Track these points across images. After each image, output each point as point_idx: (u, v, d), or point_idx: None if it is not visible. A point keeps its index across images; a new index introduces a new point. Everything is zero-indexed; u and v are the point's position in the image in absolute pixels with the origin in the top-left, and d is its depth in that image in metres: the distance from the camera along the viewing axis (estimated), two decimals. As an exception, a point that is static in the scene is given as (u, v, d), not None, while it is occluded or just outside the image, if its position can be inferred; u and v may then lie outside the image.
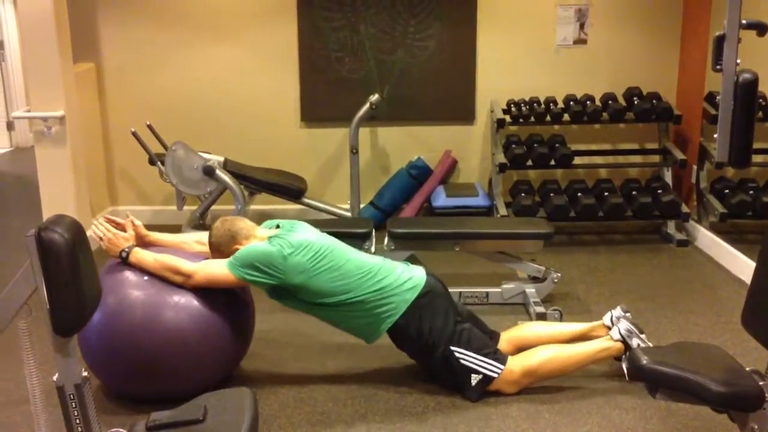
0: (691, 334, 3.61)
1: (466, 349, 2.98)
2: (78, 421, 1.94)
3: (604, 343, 3.09)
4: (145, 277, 2.90)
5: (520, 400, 2.99)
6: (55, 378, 1.92)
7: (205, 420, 2.00)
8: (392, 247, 3.93)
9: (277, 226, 3.10)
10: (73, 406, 1.92)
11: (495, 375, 2.97)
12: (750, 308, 2.33)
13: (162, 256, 2.93)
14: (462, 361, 2.97)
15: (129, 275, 2.91)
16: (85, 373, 1.95)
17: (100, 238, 2.98)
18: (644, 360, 2.28)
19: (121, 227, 3.06)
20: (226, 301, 2.99)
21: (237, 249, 2.94)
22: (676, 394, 2.26)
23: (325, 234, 3.10)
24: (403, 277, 3.03)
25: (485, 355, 2.99)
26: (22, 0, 4.44)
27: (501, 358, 3.01)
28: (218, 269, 2.89)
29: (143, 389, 2.94)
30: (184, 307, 2.86)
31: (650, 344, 3.07)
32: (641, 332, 3.09)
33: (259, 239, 2.98)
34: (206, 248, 3.07)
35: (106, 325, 2.82)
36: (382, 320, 2.98)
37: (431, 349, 3.00)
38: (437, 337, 2.98)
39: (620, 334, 3.07)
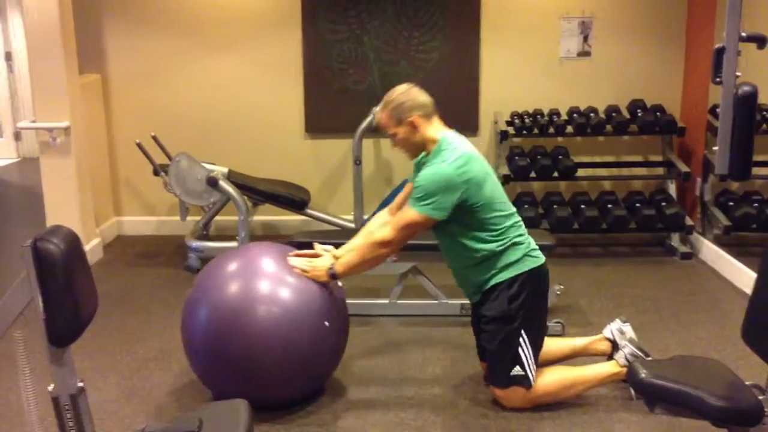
0: (694, 348, 3.58)
1: (530, 343, 2.94)
2: (73, 431, 1.93)
3: (611, 369, 3.07)
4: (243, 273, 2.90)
5: (520, 415, 2.97)
6: (50, 388, 1.92)
7: (200, 432, 1.99)
8: (394, 259, 3.92)
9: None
10: (68, 416, 1.92)
11: (531, 383, 2.94)
12: (749, 321, 2.31)
13: (355, 243, 2.96)
14: (519, 349, 2.92)
15: (230, 276, 2.91)
16: (80, 384, 1.95)
17: (304, 271, 2.92)
18: (643, 373, 2.27)
19: (315, 255, 3.04)
20: (324, 302, 2.94)
21: (412, 121, 2.89)
22: (674, 409, 2.24)
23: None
24: (533, 243, 3.01)
25: (535, 361, 2.97)
26: (29, 11, 4.48)
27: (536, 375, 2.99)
28: (407, 216, 2.85)
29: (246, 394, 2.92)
30: (288, 306, 2.84)
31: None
32: (647, 356, 3.06)
33: (432, 134, 2.92)
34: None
35: (211, 326, 2.84)
36: (499, 273, 2.92)
37: (509, 319, 2.92)
38: (521, 315, 2.91)
39: (626, 359, 3.05)
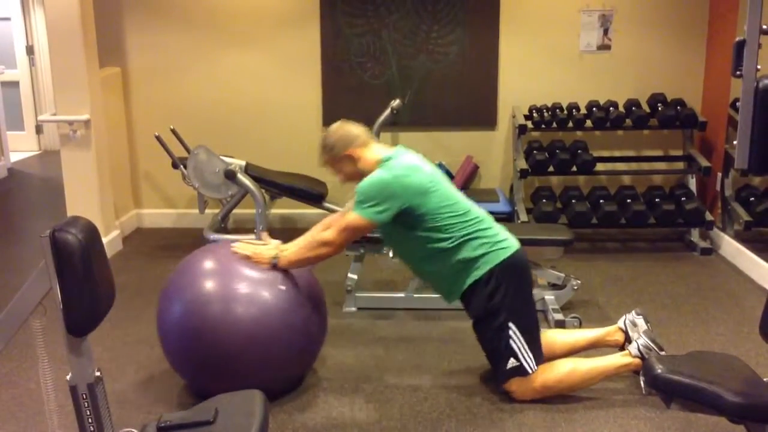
0: (713, 344, 3.55)
1: (521, 333, 2.96)
2: (90, 420, 1.95)
3: (623, 360, 3.06)
4: (218, 270, 2.95)
5: (536, 408, 2.97)
6: (68, 377, 1.94)
7: (215, 422, 2.00)
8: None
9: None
10: (86, 405, 1.94)
11: (528, 371, 2.96)
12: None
13: (301, 241, 3.03)
14: (510, 341, 2.95)
15: (205, 271, 2.96)
16: (98, 373, 1.97)
17: (247, 257, 2.99)
18: (659, 369, 2.25)
19: (263, 244, 3.10)
20: (301, 298, 2.99)
21: (349, 154, 3.00)
22: (691, 405, 2.22)
23: (435, 168, 3.10)
24: (500, 235, 3.03)
25: (531, 349, 2.97)
26: (50, 6, 4.53)
27: (539, 360, 3.00)
28: (348, 219, 2.93)
29: (220, 386, 2.94)
30: (258, 302, 2.88)
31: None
32: (661, 349, 3.04)
33: (373, 157, 3.00)
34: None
35: (184, 322, 2.88)
36: (471, 272, 2.96)
37: (493, 315, 2.96)
38: (505, 307, 2.95)
39: (638, 350, 3.04)
